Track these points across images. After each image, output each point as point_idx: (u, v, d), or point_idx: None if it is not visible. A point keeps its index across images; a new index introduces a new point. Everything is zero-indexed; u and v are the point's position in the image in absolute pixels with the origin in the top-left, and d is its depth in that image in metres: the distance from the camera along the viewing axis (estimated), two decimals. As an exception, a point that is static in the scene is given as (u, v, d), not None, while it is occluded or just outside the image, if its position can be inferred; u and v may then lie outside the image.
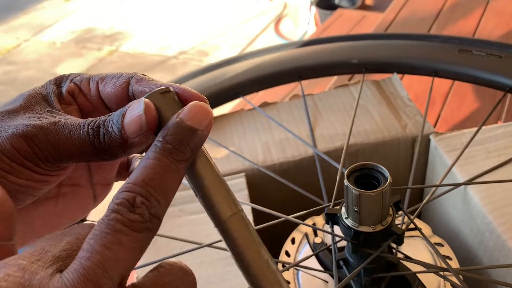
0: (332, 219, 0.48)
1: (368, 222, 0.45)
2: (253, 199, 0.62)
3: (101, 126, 0.25)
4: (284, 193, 0.68)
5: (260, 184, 0.67)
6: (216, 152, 0.69)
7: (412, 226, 0.57)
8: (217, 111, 0.77)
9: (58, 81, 0.29)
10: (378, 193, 0.43)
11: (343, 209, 0.47)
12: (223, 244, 0.56)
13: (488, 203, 0.54)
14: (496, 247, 0.52)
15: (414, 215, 0.53)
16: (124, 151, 0.25)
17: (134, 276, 0.53)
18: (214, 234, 0.57)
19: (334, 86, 0.80)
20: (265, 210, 0.53)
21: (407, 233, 0.58)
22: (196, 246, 0.54)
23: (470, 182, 0.56)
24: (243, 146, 0.69)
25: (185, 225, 0.59)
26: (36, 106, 0.27)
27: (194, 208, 0.61)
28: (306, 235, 0.60)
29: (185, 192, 0.63)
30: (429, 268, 0.49)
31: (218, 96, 0.74)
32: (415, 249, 0.55)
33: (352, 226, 0.46)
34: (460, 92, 1.24)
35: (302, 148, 0.66)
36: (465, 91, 1.24)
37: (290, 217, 0.52)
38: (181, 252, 0.54)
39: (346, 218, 0.47)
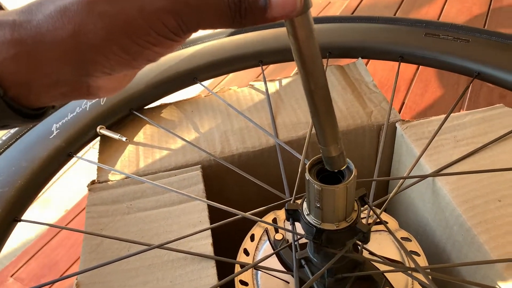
0: (293, 215, 0.44)
1: (331, 219, 0.41)
2: (210, 194, 0.57)
3: (241, 1, 0.25)
4: (244, 186, 0.64)
5: (217, 177, 0.62)
6: (169, 142, 0.63)
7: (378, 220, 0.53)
8: (172, 98, 0.71)
9: None
10: (342, 188, 0.39)
11: (305, 205, 0.43)
12: (174, 245, 0.51)
13: (457, 195, 0.51)
14: (465, 242, 0.49)
15: (381, 209, 0.50)
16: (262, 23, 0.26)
17: (74, 282, 0.48)
18: (165, 234, 0.52)
19: (297, 72, 0.75)
20: (222, 207, 0.49)
21: (373, 227, 0.55)
22: (145, 247, 0.49)
23: (438, 173, 0.53)
24: (199, 135, 0.64)
25: (134, 223, 0.53)
26: None
27: (144, 204, 0.55)
28: (266, 231, 0.56)
29: (135, 187, 0.57)
30: (397, 267, 0.45)
31: (172, 81, 0.69)
32: (381, 244, 0.52)
33: (314, 224, 0.42)
34: (424, 79, 1.23)
35: (263, 138, 0.62)
36: (429, 78, 1.23)
37: (247, 214, 0.47)
38: (128, 254, 0.49)
39: (307, 214, 0.43)
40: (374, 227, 0.54)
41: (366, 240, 0.43)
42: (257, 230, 0.55)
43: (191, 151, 0.61)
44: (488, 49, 0.64)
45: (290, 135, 0.62)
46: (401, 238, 0.53)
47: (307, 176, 0.40)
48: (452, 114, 0.61)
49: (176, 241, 0.49)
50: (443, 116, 0.63)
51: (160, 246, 0.48)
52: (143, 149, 0.63)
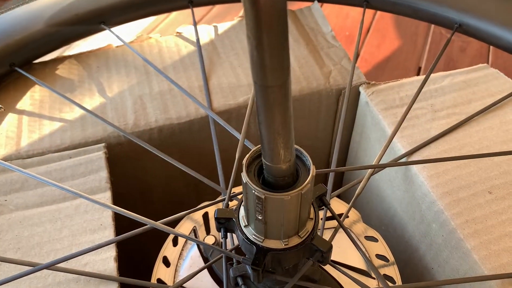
0: (225, 225, 0.31)
1: (278, 234, 0.29)
2: (118, 183, 0.43)
3: None
4: (168, 171, 0.50)
5: (130, 159, 0.47)
6: (64, 111, 0.47)
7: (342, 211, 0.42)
8: (71, 49, 0.54)
9: None
10: (295, 196, 0.26)
11: (242, 211, 0.30)
12: (69, 264, 0.37)
13: (437, 185, 0.40)
14: (447, 246, 0.39)
15: (345, 212, 0.38)
16: None
17: None
18: (51, 243, 0.37)
19: (239, 16, 0.60)
20: (128, 215, 0.34)
21: (329, 223, 0.43)
22: (27, 268, 0.35)
23: (415, 161, 0.42)
24: (106, 101, 0.48)
25: (8, 228, 0.38)
26: None
27: (25, 199, 0.40)
28: (194, 231, 0.42)
29: (13, 175, 0.42)
30: (362, 286, 0.34)
31: (71, 26, 0.51)
32: (343, 247, 0.41)
33: (254, 240, 0.29)
34: (381, 28, 1.10)
35: (192, 105, 0.47)
36: (386, 27, 1.11)
37: (159, 223, 0.34)
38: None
39: (245, 226, 0.30)
40: (330, 223, 0.43)
41: (325, 261, 0.31)
42: (181, 230, 0.42)
43: (93, 124, 0.45)
44: (473, -5, 0.52)
45: (228, 102, 0.48)
46: (366, 237, 0.42)
47: (244, 177, 0.27)
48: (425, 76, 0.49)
49: (68, 259, 0.35)
50: (416, 78, 0.51)
51: (40, 269, 0.34)
52: (28, 120, 0.46)
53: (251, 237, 0.30)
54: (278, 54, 0.18)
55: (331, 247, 0.30)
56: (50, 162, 0.42)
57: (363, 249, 0.40)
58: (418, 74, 0.97)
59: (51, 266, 0.34)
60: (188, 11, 0.56)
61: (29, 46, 0.50)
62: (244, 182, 0.26)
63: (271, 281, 0.33)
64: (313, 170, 0.27)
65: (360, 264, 0.40)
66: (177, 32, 0.56)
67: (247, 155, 0.27)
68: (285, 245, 0.29)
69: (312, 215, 0.31)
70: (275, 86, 0.20)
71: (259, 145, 0.27)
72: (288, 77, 0.20)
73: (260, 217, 0.28)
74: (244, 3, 0.17)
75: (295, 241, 0.29)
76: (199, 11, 1.12)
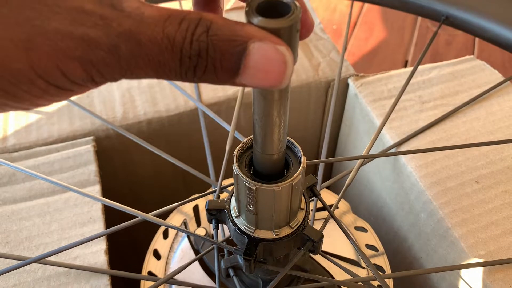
0: (217, 216, 0.32)
1: (269, 225, 0.29)
2: (107, 177, 0.43)
3: (201, 56, 0.16)
4: (158, 165, 0.50)
5: (119, 152, 0.47)
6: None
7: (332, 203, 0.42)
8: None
9: None
10: (286, 187, 0.26)
11: (233, 202, 0.30)
12: (58, 258, 0.36)
13: (425, 175, 0.40)
14: (435, 235, 0.39)
15: (335, 202, 0.38)
16: None
17: None
18: (40, 237, 0.37)
19: (231, 8, 0.60)
20: (118, 207, 0.34)
21: (319, 214, 0.43)
22: (16, 263, 0.34)
23: (404, 152, 0.42)
24: (93, 94, 0.47)
25: (-4, 223, 0.38)
26: None
27: (13, 193, 0.40)
28: (185, 223, 0.42)
29: (0, 169, 0.41)
30: (352, 274, 0.35)
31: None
32: (333, 238, 0.41)
33: (245, 231, 0.30)
34: (369, 21, 1.11)
35: (181, 98, 0.47)
36: (373, 21, 1.11)
37: (150, 215, 0.33)
38: (-19, 274, 0.34)
39: (237, 217, 0.30)
40: (320, 214, 0.43)
41: (316, 250, 0.31)
42: (172, 223, 0.42)
43: (80, 117, 0.45)
44: (460, -13, 0.52)
45: (217, 94, 0.48)
46: (356, 227, 0.42)
47: (235, 168, 0.27)
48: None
49: (58, 253, 0.35)
50: (404, 70, 0.51)
51: (29, 262, 0.34)
52: (14, 113, 0.46)
53: (242, 228, 0.30)
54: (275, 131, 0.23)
55: (322, 236, 0.30)
56: (37, 155, 0.42)
57: (353, 239, 0.40)
58: (405, 67, 0.97)
59: (40, 259, 0.34)
60: (176, 3, 0.56)
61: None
62: (235, 173, 0.27)
63: (262, 271, 0.33)
64: (304, 161, 0.27)
65: (350, 254, 0.40)
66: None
67: (238, 146, 0.27)
68: (276, 235, 0.29)
69: (303, 206, 0.31)
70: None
71: (250, 137, 0.27)
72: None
73: (251, 208, 0.28)
74: (254, 94, 0.21)
75: (286, 231, 0.30)
76: (187, 3, 1.12)
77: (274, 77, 0.17)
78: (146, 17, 0.16)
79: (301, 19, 0.20)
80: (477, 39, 1.02)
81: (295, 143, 0.28)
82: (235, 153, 0.27)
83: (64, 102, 0.46)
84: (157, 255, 0.40)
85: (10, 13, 0.15)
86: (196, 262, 0.39)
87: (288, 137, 0.27)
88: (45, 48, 0.15)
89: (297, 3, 0.18)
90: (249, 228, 0.29)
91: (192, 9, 0.24)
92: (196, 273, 0.39)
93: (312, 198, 0.40)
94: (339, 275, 0.38)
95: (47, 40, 0.15)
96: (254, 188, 0.26)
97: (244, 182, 0.26)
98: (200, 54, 0.16)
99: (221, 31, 0.16)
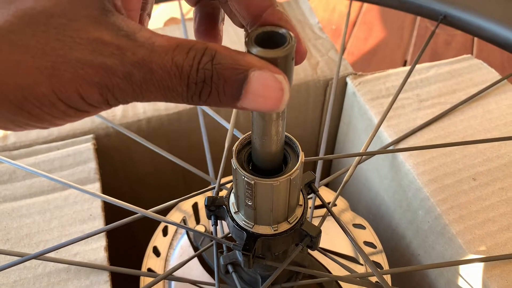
0: (216, 212, 0.32)
1: (267, 220, 0.29)
2: (107, 175, 0.43)
3: (206, 82, 0.18)
4: (158, 164, 0.50)
5: (118, 150, 0.47)
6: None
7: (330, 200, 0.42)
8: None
9: None
10: (284, 182, 0.26)
11: (232, 198, 0.31)
12: (58, 254, 0.37)
13: (423, 172, 0.41)
14: (432, 231, 0.39)
15: (334, 199, 0.39)
16: None
17: None
18: (40, 234, 0.37)
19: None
20: (118, 204, 0.35)
21: (317, 212, 0.44)
22: (10, 261, 0.35)
23: (402, 149, 0.42)
24: (94, 92, 0.48)
25: (-3, 220, 0.38)
26: None
27: (13, 191, 0.40)
28: (184, 221, 0.43)
29: (1, 167, 0.41)
30: (350, 270, 0.35)
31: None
32: (331, 235, 0.41)
33: (244, 226, 0.30)
34: (368, 21, 1.11)
35: None
36: (372, 20, 1.11)
37: (149, 212, 0.34)
38: (-19, 271, 0.34)
39: (235, 212, 0.30)
40: (318, 212, 0.43)
41: (314, 246, 0.31)
42: (172, 219, 0.42)
43: (81, 115, 0.45)
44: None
45: (216, 92, 0.48)
46: (354, 225, 0.43)
47: (234, 163, 0.27)
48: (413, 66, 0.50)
49: (57, 249, 0.35)
50: (402, 69, 0.51)
51: (29, 259, 0.34)
52: (15, 111, 0.46)
53: (241, 223, 0.30)
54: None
55: (320, 232, 0.30)
56: (38, 153, 0.42)
57: (351, 235, 0.40)
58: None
59: (40, 255, 0.34)
60: (175, 3, 0.56)
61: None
62: (234, 168, 0.27)
63: (261, 267, 0.33)
64: (302, 156, 0.27)
65: (348, 250, 0.40)
66: (165, 24, 0.56)
67: (237, 142, 0.27)
68: (274, 230, 0.30)
69: (301, 202, 0.31)
70: None
71: (249, 132, 0.27)
72: None
73: (250, 203, 0.28)
74: (253, 114, 0.23)
75: (284, 226, 0.30)
76: (186, 4, 1.12)
77: (272, 102, 0.19)
78: (157, 46, 0.18)
79: (295, 48, 0.22)
80: (476, 39, 1.03)
81: (294, 139, 0.28)
82: (234, 148, 0.27)
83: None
84: (156, 252, 0.40)
85: (38, 44, 0.17)
86: (195, 259, 0.39)
87: (286, 133, 0.27)
88: (66, 75, 0.17)
89: (292, 34, 0.20)
90: (248, 223, 0.30)
91: (194, 36, 0.27)
92: (195, 270, 0.39)
93: (311, 196, 0.41)
94: (338, 271, 0.38)
95: (69, 67, 0.17)
96: (252, 182, 0.26)
97: (243, 177, 0.26)
98: (205, 80, 0.18)
99: (224, 60, 0.18)
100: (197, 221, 0.42)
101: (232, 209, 0.30)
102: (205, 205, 0.31)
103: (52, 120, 0.18)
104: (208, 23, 0.27)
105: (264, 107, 0.19)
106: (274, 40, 0.20)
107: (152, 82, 0.18)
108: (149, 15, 0.27)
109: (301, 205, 0.31)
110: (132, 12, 0.23)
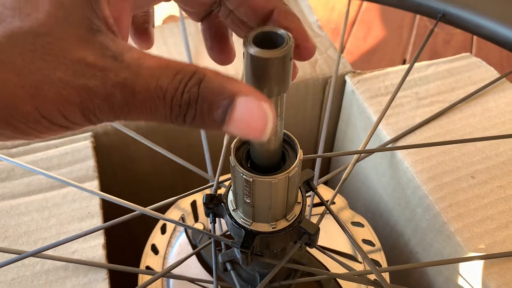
0: (214, 210, 0.32)
1: (266, 218, 0.29)
2: (105, 173, 0.43)
3: (191, 105, 0.18)
4: (157, 162, 0.50)
5: (117, 148, 0.47)
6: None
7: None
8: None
9: None
10: (282, 179, 0.27)
11: (231, 196, 0.31)
12: (57, 252, 0.37)
13: (421, 170, 0.41)
14: (431, 229, 0.39)
15: (332, 196, 0.39)
16: None
17: None
18: (39, 232, 0.37)
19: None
20: (116, 201, 0.34)
21: (315, 210, 0.44)
22: (14, 256, 0.35)
23: (400, 147, 0.42)
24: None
25: (-5, 218, 0.38)
26: (73, 17, 0.18)
27: (11, 189, 0.40)
28: (182, 219, 0.43)
29: (0, 165, 0.41)
30: (349, 268, 0.35)
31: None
32: (329, 233, 0.41)
33: (242, 224, 0.30)
34: (367, 20, 1.11)
35: None
36: (372, 20, 1.11)
37: (148, 209, 0.34)
38: (-21, 268, 0.34)
39: (234, 210, 0.30)
40: (317, 210, 0.43)
41: (313, 243, 0.31)
42: (171, 216, 0.42)
43: (79, 113, 0.45)
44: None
45: (214, 90, 0.48)
46: (352, 223, 0.43)
47: (233, 161, 0.27)
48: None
49: (56, 246, 0.35)
50: (401, 67, 0.51)
51: (27, 256, 0.34)
52: (13, 109, 0.46)
53: (239, 221, 0.30)
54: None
55: (318, 229, 0.30)
56: (36, 151, 0.42)
57: (350, 233, 0.40)
58: (403, 66, 0.97)
59: (38, 253, 0.34)
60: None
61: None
62: (233, 165, 0.27)
63: (259, 264, 0.33)
64: (300, 154, 0.27)
65: (346, 248, 0.40)
66: (164, 22, 0.56)
67: (236, 139, 0.27)
68: (273, 228, 0.30)
69: (299, 200, 0.31)
70: None
71: (247, 129, 0.27)
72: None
73: (248, 200, 0.28)
74: None
75: (282, 224, 0.30)
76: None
77: (255, 130, 0.19)
78: (143, 68, 0.18)
79: (303, 45, 0.23)
80: (475, 38, 1.03)
81: (292, 136, 0.28)
82: (232, 145, 0.27)
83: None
84: (155, 250, 0.40)
85: (24, 62, 0.17)
86: (194, 257, 0.39)
87: (285, 131, 0.27)
88: (49, 95, 0.17)
89: (290, 34, 0.20)
90: (246, 221, 0.30)
91: (208, 54, 0.28)
92: (193, 267, 0.39)
93: (309, 194, 0.41)
94: (336, 269, 0.38)
95: (52, 87, 0.17)
96: (251, 180, 0.26)
97: (241, 174, 0.26)
98: (190, 103, 0.18)
99: (211, 83, 0.18)
100: (196, 219, 0.42)
101: (231, 206, 0.30)
102: (203, 202, 0.31)
103: (37, 134, 0.19)
104: (219, 41, 0.27)
105: (248, 134, 0.19)
106: (272, 40, 0.21)
107: (134, 103, 0.18)
108: (154, 25, 0.27)
109: (299, 202, 0.31)
110: (123, 28, 0.23)
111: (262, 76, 0.21)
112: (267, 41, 0.20)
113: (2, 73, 0.17)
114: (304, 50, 0.23)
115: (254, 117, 0.19)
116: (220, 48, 0.27)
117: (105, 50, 0.18)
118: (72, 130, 0.19)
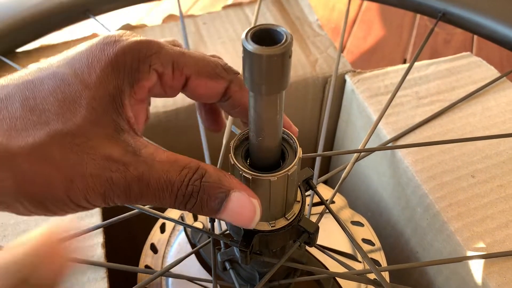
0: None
1: (265, 216, 0.29)
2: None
3: (193, 196, 0.23)
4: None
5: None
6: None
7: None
8: (59, 36, 0.54)
9: (135, 65, 0.24)
10: (282, 177, 0.26)
11: (231, 195, 0.30)
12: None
13: (421, 170, 0.40)
14: (431, 229, 0.39)
15: (332, 195, 0.39)
16: None
17: None
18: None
19: (225, 6, 0.60)
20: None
21: (315, 209, 0.43)
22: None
23: (400, 146, 0.42)
24: (92, 89, 0.47)
25: (-6, 216, 0.38)
26: (103, 120, 0.22)
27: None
28: (181, 218, 0.43)
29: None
30: (348, 267, 0.35)
31: (55, 15, 0.51)
32: (329, 232, 0.41)
33: None
34: (367, 19, 1.11)
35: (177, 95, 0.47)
36: (372, 19, 1.11)
37: (147, 207, 0.34)
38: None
39: None
40: (316, 209, 0.43)
41: (312, 242, 0.31)
42: (170, 215, 0.42)
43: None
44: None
45: (214, 89, 0.48)
46: (352, 222, 0.42)
47: (232, 159, 0.27)
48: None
49: (51, 243, 0.35)
50: (401, 66, 0.51)
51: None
52: (12, 108, 0.46)
53: (238, 220, 0.30)
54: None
55: (317, 228, 0.30)
56: (35, 150, 0.42)
57: (349, 231, 0.40)
58: (403, 66, 0.97)
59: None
60: (174, 1, 0.56)
61: (12, 35, 0.49)
62: (232, 163, 0.27)
63: (258, 263, 0.33)
64: (299, 152, 0.27)
65: (346, 248, 0.40)
66: (164, 21, 0.56)
67: (235, 137, 0.27)
68: (272, 227, 0.30)
69: (299, 198, 0.31)
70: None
71: (247, 128, 0.27)
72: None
73: (247, 199, 0.28)
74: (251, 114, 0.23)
75: (281, 223, 0.30)
76: (185, 1, 1.12)
77: (245, 220, 0.24)
78: (156, 162, 0.22)
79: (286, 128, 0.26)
80: (475, 37, 1.03)
81: (291, 134, 0.28)
82: (231, 143, 0.27)
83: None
84: (154, 249, 0.40)
85: (62, 157, 0.21)
86: (193, 256, 0.39)
87: (284, 129, 0.27)
88: (80, 186, 0.21)
89: (289, 32, 0.20)
90: (245, 220, 0.30)
91: (203, 124, 0.32)
92: (192, 267, 0.39)
93: (309, 193, 0.41)
94: (335, 268, 0.38)
95: (83, 180, 0.21)
96: (250, 178, 0.26)
97: (240, 172, 0.26)
98: (192, 194, 0.22)
99: (211, 179, 0.23)
100: (195, 217, 0.42)
101: (230, 205, 0.30)
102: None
103: (61, 213, 0.22)
104: (213, 115, 0.31)
105: (238, 222, 0.24)
106: (271, 37, 0.20)
107: (147, 194, 0.22)
108: (149, 104, 0.30)
109: (299, 201, 0.31)
110: (140, 123, 0.27)
111: (260, 74, 0.20)
112: (265, 38, 0.20)
113: (45, 167, 0.21)
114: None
115: (244, 209, 0.23)
116: (213, 120, 0.31)
117: (127, 146, 0.22)
118: (89, 209, 0.23)
